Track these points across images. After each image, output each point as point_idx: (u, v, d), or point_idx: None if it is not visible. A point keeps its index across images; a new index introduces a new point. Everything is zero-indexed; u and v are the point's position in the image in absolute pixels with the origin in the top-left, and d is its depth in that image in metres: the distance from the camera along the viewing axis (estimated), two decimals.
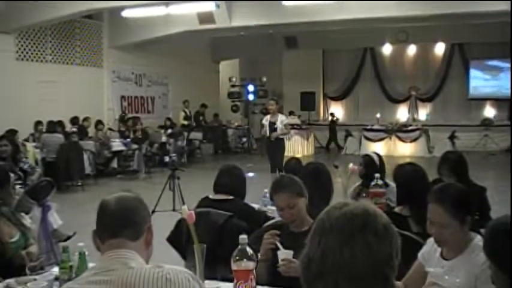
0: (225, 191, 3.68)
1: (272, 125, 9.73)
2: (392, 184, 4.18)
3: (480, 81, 18.31)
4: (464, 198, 2.37)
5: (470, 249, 2.32)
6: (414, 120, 18.26)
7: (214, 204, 3.57)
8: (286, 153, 10.00)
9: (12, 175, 4.02)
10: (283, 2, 11.84)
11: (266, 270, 2.64)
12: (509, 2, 9.43)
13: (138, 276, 1.60)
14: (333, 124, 17.72)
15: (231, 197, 3.66)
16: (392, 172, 3.87)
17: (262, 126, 10.13)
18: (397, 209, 3.67)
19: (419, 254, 2.55)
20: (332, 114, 18.28)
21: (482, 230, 2.45)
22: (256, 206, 4.21)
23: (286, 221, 2.84)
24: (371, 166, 4.48)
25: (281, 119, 9.83)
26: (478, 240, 2.33)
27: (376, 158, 4.64)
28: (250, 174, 12.30)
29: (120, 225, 1.75)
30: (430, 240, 2.50)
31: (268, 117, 9.98)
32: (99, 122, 12.52)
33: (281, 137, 9.82)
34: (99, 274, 1.65)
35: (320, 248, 1.20)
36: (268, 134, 9.76)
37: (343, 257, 1.17)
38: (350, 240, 1.18)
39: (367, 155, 4.80)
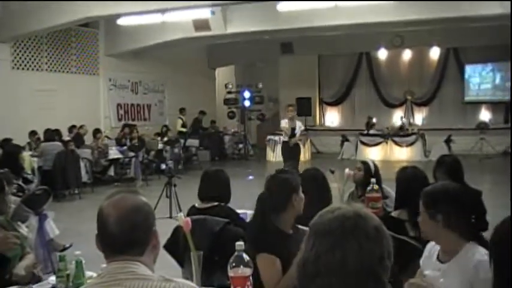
0: (210, 197, 3.71)
1: (292, 130, 10.19)
2: (389, 190, 4.20)
3: (475, 85, 18.37)
4: (436, 193, 2.41)
5: (463, 252, 2.33)
6: (410, 124, 18.26)
7: (201, 213, 3.58)
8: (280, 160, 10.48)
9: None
10: (278, 8, 11.88)
11: None
12: (509, 5, 9.40)
13: None
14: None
15: (216, 203, 3.68)
16: (391, 176, 3.89)
17: (282, 130, 10.64)
18: (394, 213, 3.68)
19: (421, 262, 2.57)
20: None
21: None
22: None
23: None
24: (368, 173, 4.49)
25: (299, 125, 10.41)
26: (472, 243, 2.35)
27: (371, 165, 4.63)
28: (250, 177, 12.55)
29: (124, 246, 1.66)
30: (428, 246, 2.53)
31: (286, 120, 10.41)
32: (97, 131, 12.49)
33: (298, 142, 10.40)
34: (105, 285, 1.61)
35: (314, 250, 1.26)
36: (287, 139, 10.22)
37: (335, 258, 1.22)
38: (342, 242, 1.24)
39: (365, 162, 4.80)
